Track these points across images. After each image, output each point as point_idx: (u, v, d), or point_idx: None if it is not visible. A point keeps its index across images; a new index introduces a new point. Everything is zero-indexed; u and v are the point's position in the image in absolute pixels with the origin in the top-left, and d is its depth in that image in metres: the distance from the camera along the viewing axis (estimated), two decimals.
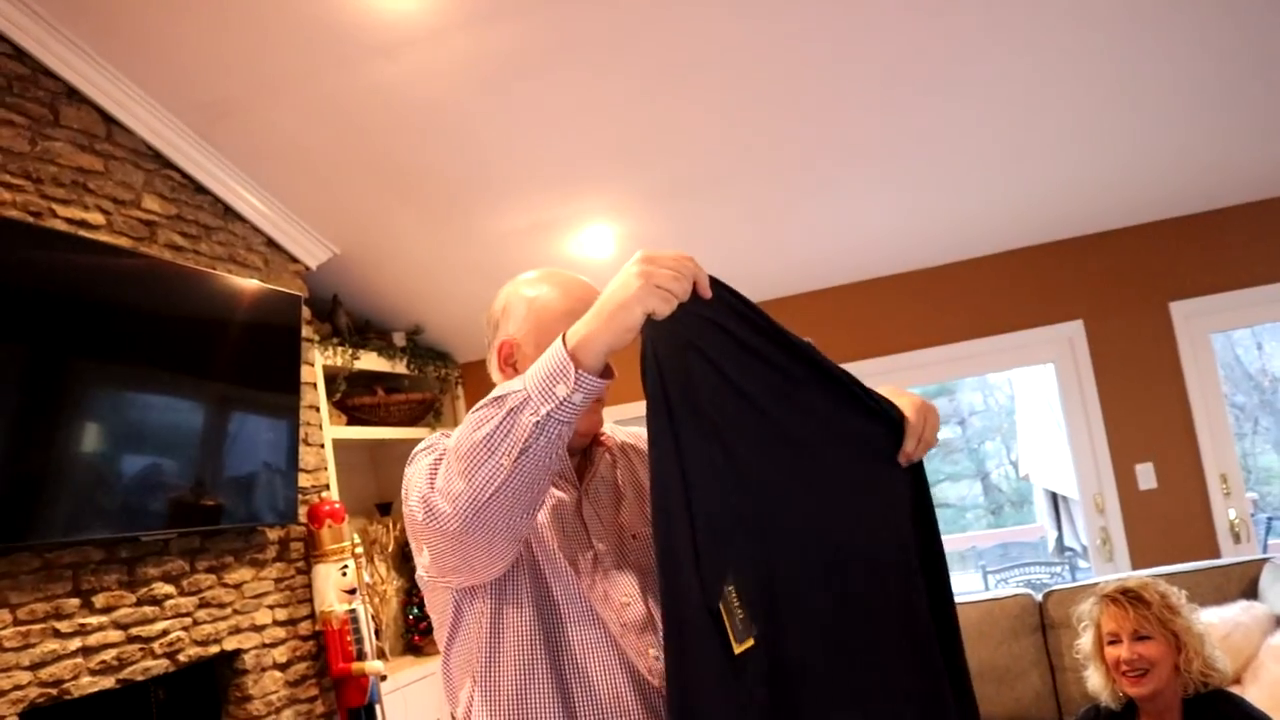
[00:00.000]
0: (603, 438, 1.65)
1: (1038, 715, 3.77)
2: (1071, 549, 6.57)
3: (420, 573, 1.52)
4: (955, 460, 10.10)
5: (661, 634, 1.31)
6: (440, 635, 1.56)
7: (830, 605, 1.36)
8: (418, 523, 1.35)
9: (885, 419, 1.43)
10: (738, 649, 1.27)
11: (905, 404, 1.45)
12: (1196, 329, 4.69)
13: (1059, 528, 6.54)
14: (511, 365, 1.58)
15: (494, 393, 1.29)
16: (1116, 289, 4.75)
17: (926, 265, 4.98)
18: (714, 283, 1.31)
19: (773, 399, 1.37)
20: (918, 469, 1.48)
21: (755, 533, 1.32)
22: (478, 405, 1.30)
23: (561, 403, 1.24)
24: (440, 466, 1.32)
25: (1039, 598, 3.93)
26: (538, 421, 1.24)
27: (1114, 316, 4.75)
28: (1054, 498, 6.51)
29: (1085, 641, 2.59)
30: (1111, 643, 2.48)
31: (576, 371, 1.23)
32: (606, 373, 1.27)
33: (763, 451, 1.36)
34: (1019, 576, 6.93)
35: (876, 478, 1.44)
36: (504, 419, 1.25)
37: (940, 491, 10.05)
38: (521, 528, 1.34)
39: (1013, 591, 4.02)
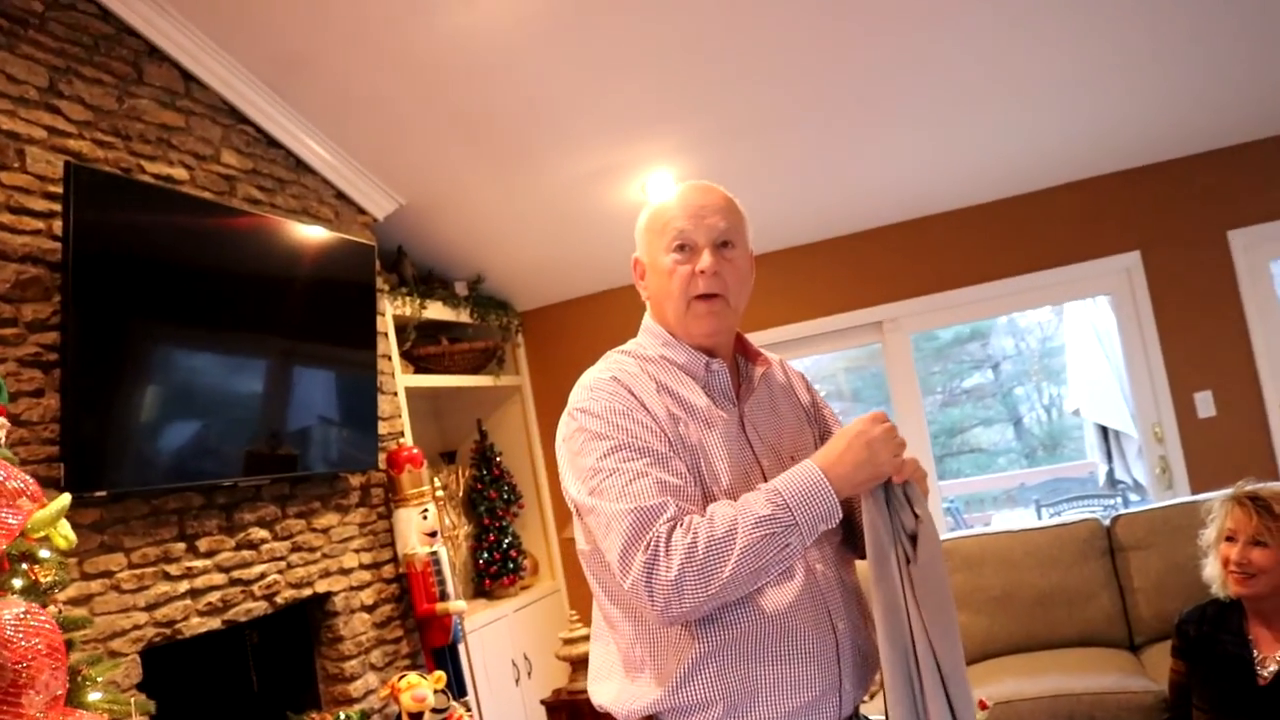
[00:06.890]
0: (760, 357, 1.74)
1: (1108, 636, 3.83)
2: (1123, 482, 6.62)
3: (582, 546, 1.65)
4: (988, 405, 10.12)
5: None
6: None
7: None
8: (626, 586, 1.47)
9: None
10: None
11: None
12: (1256, 257, 4.70)
13: (1109, 462, 6.59)
14: (641, 277, 1.74)
15: (759, 514, 1.46)
16: (1174, 219, 4.75)
17: (981, 200, 4.98)
18: None
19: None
20: None
21: None
22: (750, 525, 1.45)
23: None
24: (679, 565, 1.43)
25: (1107, 522, 3.98)
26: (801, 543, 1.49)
27: (1172, 247, 4.75)
28: (1104, 432, 6.55)
29: (1209, 532, 2.66)
30: (1228, 539, 2.56)
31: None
32: None
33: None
34: (1072, 509, 7.00)
35: None
36: (780, 547, 1.46)
37: (973, 436, 10.11)
38: None
39: (1082, 516, 4.08)
